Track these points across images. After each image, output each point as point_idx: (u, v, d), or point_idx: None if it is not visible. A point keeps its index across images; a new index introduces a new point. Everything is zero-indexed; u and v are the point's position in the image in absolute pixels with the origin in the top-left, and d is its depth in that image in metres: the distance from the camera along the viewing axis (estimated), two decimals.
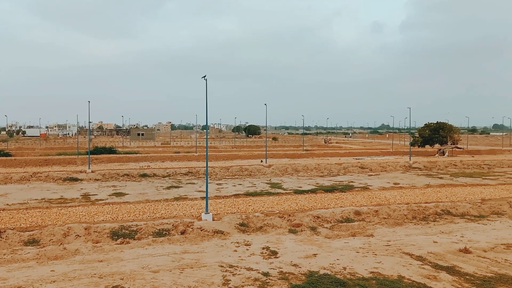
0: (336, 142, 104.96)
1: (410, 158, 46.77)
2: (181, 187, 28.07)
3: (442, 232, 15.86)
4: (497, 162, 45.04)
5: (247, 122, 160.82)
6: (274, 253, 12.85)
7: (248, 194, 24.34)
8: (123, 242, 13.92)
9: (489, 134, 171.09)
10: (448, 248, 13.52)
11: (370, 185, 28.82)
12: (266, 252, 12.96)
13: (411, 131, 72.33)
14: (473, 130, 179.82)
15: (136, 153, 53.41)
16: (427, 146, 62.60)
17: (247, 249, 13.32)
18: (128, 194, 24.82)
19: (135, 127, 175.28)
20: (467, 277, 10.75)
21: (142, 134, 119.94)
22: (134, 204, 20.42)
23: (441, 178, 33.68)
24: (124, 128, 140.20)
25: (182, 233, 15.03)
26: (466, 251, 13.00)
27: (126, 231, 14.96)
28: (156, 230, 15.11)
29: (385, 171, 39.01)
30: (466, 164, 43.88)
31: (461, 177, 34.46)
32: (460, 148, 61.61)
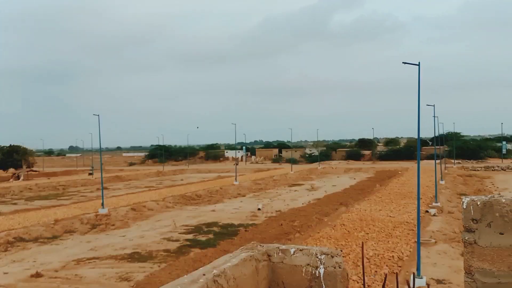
0: None
1: None
2: None
3: (14, 261, 15.06)
4: (72, 182, 47.57)
5: None
6: None
7: None
8: None
9: (65, 155, 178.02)
10: (20, 276, 12.96)
11: None
12: None
13: None
14: (50, 153, 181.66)
15: None
16: (1, 171, 58.14)
17: None
18: None
19: None
20: None
21: None
22: None
23: (15, 204, 31.98)
24: None
25: None
26: (38, 275, 12.89)
27: None
28: None
29: None
30: (42, 186, 43.79)
31: (37, 200, 34.01)
32: (36, 171, 60.88)
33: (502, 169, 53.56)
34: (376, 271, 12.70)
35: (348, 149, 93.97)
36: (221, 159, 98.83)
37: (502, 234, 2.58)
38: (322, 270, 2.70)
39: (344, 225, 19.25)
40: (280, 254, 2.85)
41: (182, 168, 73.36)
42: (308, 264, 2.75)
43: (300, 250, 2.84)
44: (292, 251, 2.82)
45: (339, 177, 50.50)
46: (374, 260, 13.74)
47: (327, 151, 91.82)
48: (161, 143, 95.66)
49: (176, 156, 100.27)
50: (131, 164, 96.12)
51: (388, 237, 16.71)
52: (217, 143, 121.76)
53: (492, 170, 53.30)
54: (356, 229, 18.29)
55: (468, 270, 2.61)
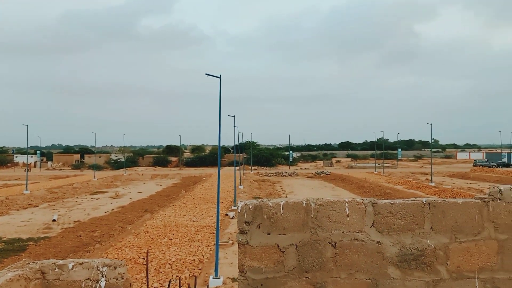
0: None
1: None
2: None
3: None
4: None
5: None
6: None
7: None
8: None
9: None
10: None
11: None
12: None
13: None
14: None
15: None
16: None
17: None
18: None
19: None
20: None
21: None
22: None
23: None
24: None
25: None
26: None
27: None
28: None
29: None
30: None
31: None
32: None
33: (289, 175, 61.50)
34: (178, 276, 12.97)
35: (155, 156, 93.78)
36: (8, 164, 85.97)
37: (269, 234, 2.98)
38: (103, 283, 2.62)
39: (148, 232, 19.07)
40: (56, 270, 2.64)
41: None
42: (88, 278, 2.63)
43: (80, 264, 2.69)
44: (70, 266, 2.65)
45: (146, 183, 49.88)
46: (176, 265, 14.01)
47: (134, 157, 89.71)
48: None
49: None
50: None
51: (190, 241, 17.27)
52: (4, 147, 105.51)
53: (282, 175, 60.67)
54: (160, 235, 18.34)
55: (241, 269, 2.92)
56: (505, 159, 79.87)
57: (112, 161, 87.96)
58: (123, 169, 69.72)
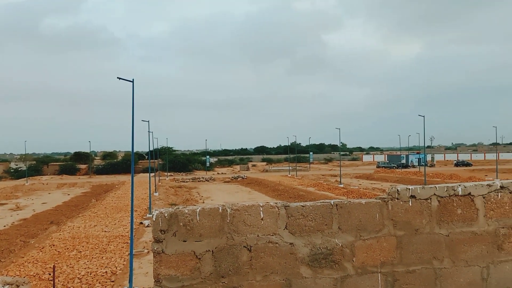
0: None
1: None
2: None
3: None
4: None
5: None
6: None
7: None
8: None
9: None
10: None
11: None
12: None
13: None
14: None
15: None
16: None
17: None
18: None
19: None
20: None
21: None
22: None
23: None
24: None
25: None
26: None
27: None
28: None
29: None
30: None
31: None
32: None
33: (206, 180, 61.26)
34: None
35: (62, 163, 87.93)
36: None
37: (185, 241, 2.98)
38: None
39: (54, 245, 17.80)
40: None
41: None
42: None
43: None
44: None
45: (51, 193, 46.48)
46: (87, 279, 13.24)
47: (38, 166, 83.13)
48: None
49: None
50: None
51: (102, 252, 16.44)
52: None
53: (199, 181, 60.22)
54: (68, 248, 17.22)
55: (157, 278, 2.88)
56: (403, 161, 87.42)
57: (12, 170, 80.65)
58: (25, 178, 64.28)
